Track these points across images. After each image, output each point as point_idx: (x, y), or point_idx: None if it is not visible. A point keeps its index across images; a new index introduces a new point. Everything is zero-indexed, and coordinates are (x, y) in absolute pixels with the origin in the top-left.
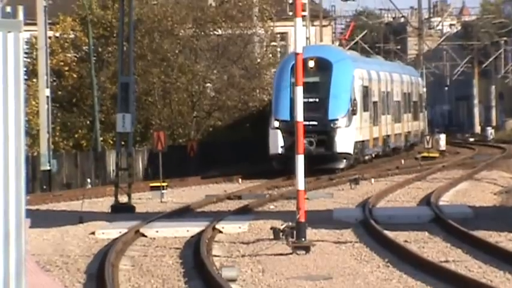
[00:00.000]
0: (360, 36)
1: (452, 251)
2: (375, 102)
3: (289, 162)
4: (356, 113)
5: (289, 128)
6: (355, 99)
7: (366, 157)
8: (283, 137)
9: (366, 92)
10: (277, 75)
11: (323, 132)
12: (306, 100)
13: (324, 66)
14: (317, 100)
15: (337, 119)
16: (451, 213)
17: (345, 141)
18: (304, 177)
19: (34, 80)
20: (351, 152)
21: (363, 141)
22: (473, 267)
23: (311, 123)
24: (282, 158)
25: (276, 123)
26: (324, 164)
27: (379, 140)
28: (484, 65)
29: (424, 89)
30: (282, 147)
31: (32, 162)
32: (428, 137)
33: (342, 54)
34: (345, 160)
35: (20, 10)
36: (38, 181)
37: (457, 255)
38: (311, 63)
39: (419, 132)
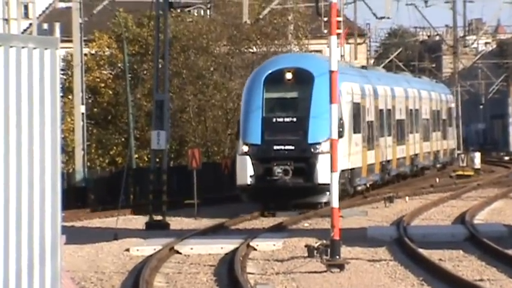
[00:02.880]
0: (395, 54)
1: (487, 269)
2: (369, 122)
3: (260, 196)
4: (343, 135)
5: (261, 154)
6: (341, 119)
7: (359, 187)
8: (253, 164)
9: (358, 110)
10: (246, 90)
11: (301, 159)
12: (280, 120)
13: (303, 79)
14: (294, 120)
15: (318, 143)
16: (486, 231)
17: (328, 169)
18: (281, 210)
19: (70, 96)
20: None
21: (352, 169)
22: (508, 286)
23: (287, 147)
24: (251, 190)
25: (245, 148)
26: (301, 197)
27: (376, 167)
28: None
29: (453, 105)
30: (251, 176)
31: (68, 178)
32: (463, 155)
33: (326, 65)
34: (328, 193)
35: (57, 27)
36: (73, 198)
37: (492, 274)
38: (288, 75)
39: (449, 151)
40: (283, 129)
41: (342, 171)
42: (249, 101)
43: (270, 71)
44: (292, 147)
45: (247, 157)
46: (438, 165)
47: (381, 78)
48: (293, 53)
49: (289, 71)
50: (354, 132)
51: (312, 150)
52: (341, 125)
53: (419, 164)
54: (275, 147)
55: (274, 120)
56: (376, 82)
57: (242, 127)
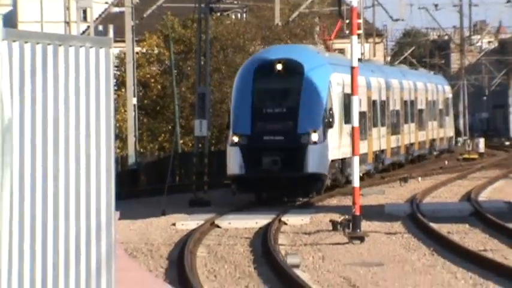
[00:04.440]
0: (409, 52)
1: (490, 241)
2: (361, 113)
3: (251, 186)
4: (333, 125)
5: (251, 144)
6: (331, 109)
7: (350, 177)
8: (243, 155)
9: (349, 100)
10: (237, 81)
11: (291, 149)
12: (270, 110)
13: (293, 70)
14: (284, 110)
15: (308, 133)
16: (488, 207)
17: (318, 160)
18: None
19: (123, 90)
20: (326, 172)
21: (343, 159)
22: (509, 255)
23: (276, 138)
24: (242, 180)
25: (235, 139)
26: (292, 187)
27: (369, 156)
28: None
29: (450, 95)
30: (242, 166)
31: (122, 162)
32: (468, 141)
33: (317, 56)
34: (317, 183)
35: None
36: (126, 179)
37: (494, 245)
38: (278, 66)
39: (446, 139)
40: (273, 120)
41: (333, 161)
42: (240, 92)
43: (260, 62)
44: (282, 138)
45: (238, 147)
46: (435, 153)
47: (375, 70)
48: (284, 44)
49: (279, 62)
50: (345, 123)
51: (302, 140)
52: (331, 116)
53: (414, 153)
54: (265, 138)
55: (264, 111)
56: (369, 74)
57: (232, 118)
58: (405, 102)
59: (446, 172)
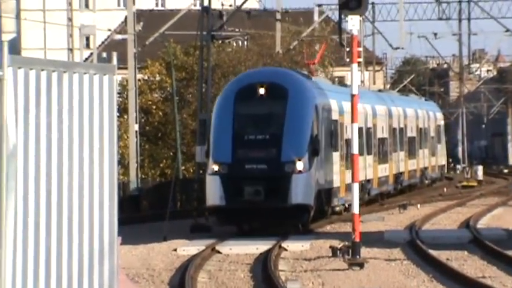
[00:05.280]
0: (408, 80)
1: (489, 268)
2: (347, 140)
3: (232, 217)
4: (319, 153)
5: (232, 173)
6: (317, 136)
7: (337, 208)
8: (224, 184)
9: (335, 127)
10: (217, 106)
11: (275, 179)
12: (252, 137)
13: (277, 94)
14: (267, 137)
15: (292, 161)
16: (487, 235)
17: (303, 190)
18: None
19: (125, 116)
20: (311, 203)
21: (330, 188)
22: (507, 282)
23: (259, 166)
24: (223, 212)
25: (215, 167)
26: (275, 219)
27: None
28: None
29: (442, 122)
30: (222, 197)
31: (123, 188)
32: (467, 168)
33: (301, 80)
34: (302, 214)
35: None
36: (128, 204)
37: (493, 272)
38: (261, 90)
39: (438, 168)
40: (256, 147)
41: (319, 190)
42: (220, 117)
43: (241, 86)
44: (265, 166)
45: (218, 177)
46: (426, 182)
47: (362, 96)
48: (266, 67)
49: (262, 86)
50: (332, 151)
51: (286, 169)
52: (317, 143)
53: (404, 182)
54: (247, 166)
55: (245, 137)
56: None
57: (212, 145)
58: (394, 129)
59: (445, 199)
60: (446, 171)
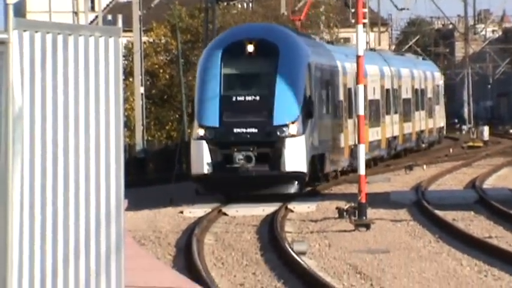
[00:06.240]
0: (414, 41)
1: (495, 228)
2: (338, 102)
3: (220, 186)
4: (313, 115)
5: (220, 138)
6: (310, 97)
7: (330, 175)
8: (210, 150)
9: (327, 88)
10: (202, 64)
11: (266, 144)
12: (241, 99)
13: (267, 52)
14: (258, 98)
15: (285, 125)
16: (493, 195)
17: (296, 155)
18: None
19: (131, 79)
20: (305, 170)
21: (322, 154)
22: None
23: (249, 130)
24: (209, 180)
25: (201, 132)
26: (266, 187)
27: (345, 151)
28: None
29: (441, 82)
30: (208, 164)
31: (129, 150)
32: (473, 129)
33: (293, 37)
34: (296, 182)
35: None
36: (134, 167)
37: (499, 231)
38: (250, 48)
39: (436, 130)
40: (245, 110)
41: (312, 156)
42: (205, 78)
43: (228, 43)
44: (255, 130)
45: (204, 142)
46: (423, 145)
47: (349, 55)
48: (255, 23)
49: (250, 43)
50: (324, 113)
51: (278, 133)
52: (311, 104)
53: (397, 147)
54: (235, 131)
55: (234, 99)
56: (344, 59)
57: (197, 107)
58: (387, 90)
59: (451, 160)
60: (445, 132)
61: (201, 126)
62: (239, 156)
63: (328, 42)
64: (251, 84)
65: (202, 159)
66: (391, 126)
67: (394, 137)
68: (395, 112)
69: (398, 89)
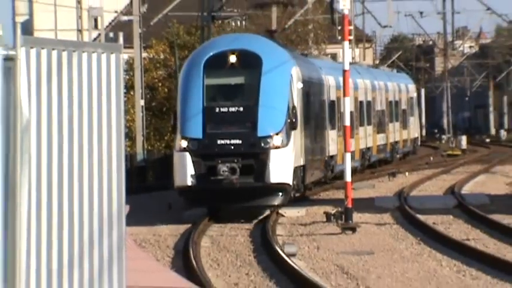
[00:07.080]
0: (396, 56)
1: (472, 231)
2: (321, 113)
3: (204, 198)
4: (296, 126)
5: (203, 150)
6: (294, 108)
7: (310, 185)
8: (193, 162)
9: (309, 100)
10: (184, 75)
11: (250, 155)
12: (224, 110)
13: (250, 63)
14: (241, 109)
15: (269, 136)
16: (471, 200)
17: (281, 167)
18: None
19: (132, 92)
20: (290, 182)
21: (304, 165)
22: (490, 244)
23: (233, 142)
24: (192, 192)
25: (184, 143)
26: (251, 199)
27: (320, 163)
28: (497, 79)
29: (415, 94)
30: (192, 176)
31: (131, 159)
32: (452, 138)
33: (276, 47)
34: (280, 194)
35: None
36: (135, 175)
37: (476, 234)
38: (232, 58)
39: (411, 141)
40: (228, 121)
41: (296, 167)
42: (188, 89)
43: (211, 53)
44: (239, 142)
45: (187, 154)
46: (398, 156)
47: (324, 68)
48: (238, 33)
49: (233, 53)
50: (305, 124)
51: (263, 144)
52: (294, 115)
53: (372, 157)
54: (219, 142)
55: (217, 110)
56: (326, 72)
57: (180, 119)
58: (360, 102)
59: (431, 167)
60: (419, 143)
61: (184, 137)
62: (223, 168)
63: (304, 55)
64: (234, 95)
65: (185, 171)
66: (365, 137)
67: (368, 148)
68: (369, 124)
69: (372, 101)
